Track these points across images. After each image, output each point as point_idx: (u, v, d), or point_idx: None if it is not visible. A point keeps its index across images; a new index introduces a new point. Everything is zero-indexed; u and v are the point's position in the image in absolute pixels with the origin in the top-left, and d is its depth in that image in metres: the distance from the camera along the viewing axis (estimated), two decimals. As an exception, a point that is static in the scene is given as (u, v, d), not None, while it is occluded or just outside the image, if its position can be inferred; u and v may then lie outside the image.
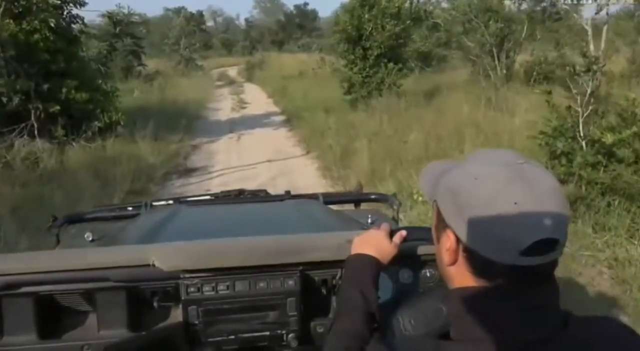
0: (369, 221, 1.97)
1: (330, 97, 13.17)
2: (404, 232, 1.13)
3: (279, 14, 59.01)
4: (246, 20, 59.21)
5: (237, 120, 12.85)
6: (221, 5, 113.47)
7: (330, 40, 10.99)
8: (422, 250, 1.26)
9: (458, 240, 0.73)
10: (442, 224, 0.76)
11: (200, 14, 56.19)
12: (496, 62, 11.87)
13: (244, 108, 15.38)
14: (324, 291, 1.35)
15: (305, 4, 56.69)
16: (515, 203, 0.67)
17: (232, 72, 31.69)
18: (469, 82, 12.21)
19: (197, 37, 26.45)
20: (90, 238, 1.84)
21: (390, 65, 10.31)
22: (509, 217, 0.67)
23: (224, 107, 15.59)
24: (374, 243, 1.09)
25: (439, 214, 0.77)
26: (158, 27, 30.51)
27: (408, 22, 11.05)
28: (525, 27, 12.55)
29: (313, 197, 2.27)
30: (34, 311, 1.26)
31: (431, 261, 1.29)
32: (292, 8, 57.82)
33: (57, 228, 2.05)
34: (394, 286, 1.30)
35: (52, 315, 1.31)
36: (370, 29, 10.30)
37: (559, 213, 0.68)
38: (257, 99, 17.44)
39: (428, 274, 1.33)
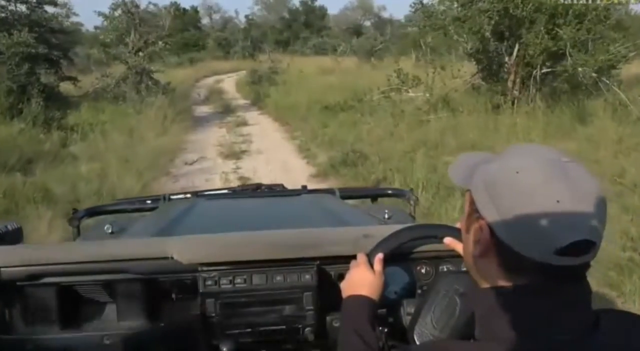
0: (386, 216, 2.03)
1: None
2: (381, 255, 1.14)
3: (283, 11, 52.17)
4: (246, 17, 51.08)
5: None
6: (217, 0, 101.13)
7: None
8: (437, 247, 1.27)
9: (491, 232, 0.70)
10: (474, 215, 0.73)
11: (195, 9, 47.91)
12: None
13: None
14: (340, 285, 1.31)
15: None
16: (558, 201, 0.65)
17: (229, 84, 21.26)
18: None
19: (158, 30, 12.69)
20: (110, 231, 1.90)
21: None
22: (549, 214, 0.65)
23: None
24: (360, 282, 1.10)
25: (472, 205, 0.74)
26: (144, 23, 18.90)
27: None
28: None
29: (330, 191, 2.32)
30: (56, 302, 1.28)
31: (448, 257, 1.32)
32: (297, 4, 51.94)
33: (77, 221, 2.09)
34: (410, 282, 1.33)
35: (73, 306, 1.33)
36: None
37: (598, 216, 0.66)
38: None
39: (445, 269, 1.34)
